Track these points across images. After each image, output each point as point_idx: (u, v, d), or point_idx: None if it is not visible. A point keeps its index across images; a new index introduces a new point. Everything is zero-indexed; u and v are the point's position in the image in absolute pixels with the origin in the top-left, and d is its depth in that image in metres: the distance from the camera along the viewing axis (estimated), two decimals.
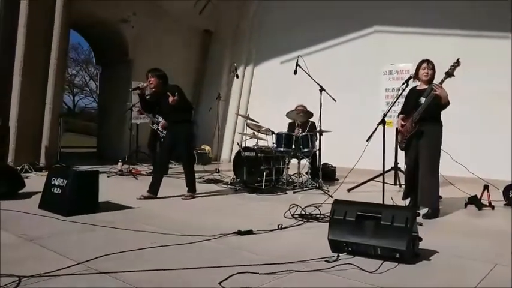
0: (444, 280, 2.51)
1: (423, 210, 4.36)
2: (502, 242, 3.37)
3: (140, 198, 4.91)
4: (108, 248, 2.83)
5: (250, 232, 3.43)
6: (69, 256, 2.65)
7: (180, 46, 11.03)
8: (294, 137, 6.25)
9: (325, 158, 7.11)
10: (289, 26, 10.36)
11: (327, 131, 6.35)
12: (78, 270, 2.41)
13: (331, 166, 7.47)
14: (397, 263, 2.69)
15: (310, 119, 6.77)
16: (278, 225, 3.64)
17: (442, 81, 4.18)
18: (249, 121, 7.07)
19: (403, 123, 4.47)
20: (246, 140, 7.01)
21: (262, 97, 10.70)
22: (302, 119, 6.54)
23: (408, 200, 4.62)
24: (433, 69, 4.41)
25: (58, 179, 4.01)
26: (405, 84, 4.31)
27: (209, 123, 10.08)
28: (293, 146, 6.22)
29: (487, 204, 4.89)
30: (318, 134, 6.40)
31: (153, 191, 5.04)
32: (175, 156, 6.83)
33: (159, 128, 7.14)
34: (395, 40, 8.89)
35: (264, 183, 5.97)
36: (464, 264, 2.82)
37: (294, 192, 5.83)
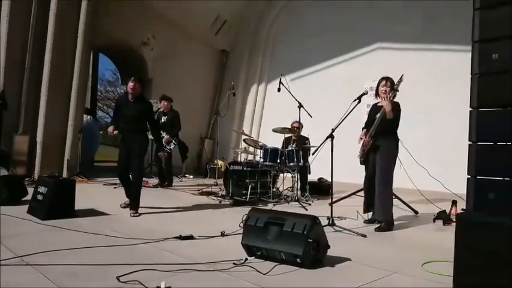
0: (328, 282, 2.72)
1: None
2: (430, 254, 3.46)
3: (123, 207, 5.37)
4: (54, 246, 3.27)
5: (191, 237, 3.77)
6: (14, 251, 3.12)
7: (197, 65, 11.67)
8: (279, 151, 6.53)
9: (322, 173, 7.30)
10: (302, 44, 10.70)
11: (312, 146, 6.57)
12: (12, 262, 2.86)
13: (326, 181, 7.63)
14: (298, 268, 2.93)
15: (303, 135, 7.03)
16: (221, 232, 3.95)
17: (392, 97, 4.36)
18: (245, 136, 7.44)
19: (362, 137, 4.66)
20: (240, 154, 7.36)
21: (273, 113, 11.04)
22: (288, 134, 6.81)
23: (370, 213, 4.77)
24: (391, 86, 4.57)
25: (42, 187, 4.57)
26: (357, 100, 4.51)
27: (226, 139, 10.57)
28: (278, 161, 6.49)
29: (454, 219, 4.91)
30: (309, 149, 6.65)
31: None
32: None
33: (163, 142, 7.68)
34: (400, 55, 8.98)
35: (248, 196, 6.28)
36: (361, 271, 3.01)
37: (273, 205, 6.08)
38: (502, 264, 2.12)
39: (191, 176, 10.40)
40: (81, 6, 8.65)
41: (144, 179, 8.61)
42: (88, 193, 6.39)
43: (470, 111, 2.43)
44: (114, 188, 7.64)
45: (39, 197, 4.55)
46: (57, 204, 4.44)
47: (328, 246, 3.11)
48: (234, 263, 3.00)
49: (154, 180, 8.86)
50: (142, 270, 2.75)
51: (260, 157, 6.75)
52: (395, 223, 4.63)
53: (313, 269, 2.94)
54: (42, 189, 4.56)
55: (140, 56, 10.79)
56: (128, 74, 11.82)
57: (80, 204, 4.86)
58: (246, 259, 3.07)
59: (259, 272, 2.82)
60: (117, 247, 3.41)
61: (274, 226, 3.05)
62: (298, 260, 2.93)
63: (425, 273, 2.93)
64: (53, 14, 8.34)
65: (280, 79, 6.34)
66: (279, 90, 6.39)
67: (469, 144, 2.44)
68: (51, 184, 4.47)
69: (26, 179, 7.38)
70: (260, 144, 7.27)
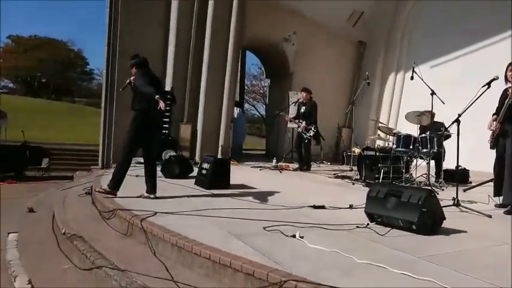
0: (437, 246, 3.10)
1: None
2: None
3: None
4: (215, 206, 4.29)
5: (322, 207, 4.43)
6: (190, 208, 4.20)
7: (334, 58, 12.19)
8: (412, 138, 6.71)
9: (461, 161, 7.21)
10: (439, 32, 10.40)
11: (447, 133, 6.59)
12: (189, 213, 3.91)
13: (464, 169, 7.48)
14: (413, 233, 3.36)
15: (438, 121, 7.05)
16: (349, 205, 4.52)
17: None
18: (380, 124, 7.76)
19: (492, 123, 4.71)
20: (374, 141, 7.72)
21: (411, 101, 10.93)
22: (423, 121, 6.91)
23: (502, 197, 4.78)
24: None
25: (205, 164, 5.73)
26: (486, 86, 4.56)
27: (362, 128, 10.92)
28: (411, 147, 6.69)
29: None
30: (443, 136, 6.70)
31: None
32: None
33: (301, 130, 8.46)
34: None
35: (381, 180, 6.65)
36: (471, 240, 3.29)
37: None
38: None
39: (328, 163, 11.03)
40: (231, 13, 9.90)
41: (285, 163, 9.62)
42: (239, 173, 7.51)
43: None
44: (260, 169, 8.72)
45: (204, 171, 5.72)
46: (217, 177, 5.54)
47: (444, 218, 3.45)
48: (357, 226, 3.57)
49: (294, 165, 9.73)
50: (282, 225, 3.51)
51: (393, 143, 7.01)
52: None
53: (426, 235, 3.33)
54: (205, 165, 5.71)
55: (282, 52, 11.77)
56: (272, 69, 13.06)
57: (233, 180, 5.90)
58: (368, 224, 3.60)
59: (377, 233, 3.35)
60: (263, 210, 4.26)
61: (393, 197, 3.51)
62: (414, 227, 3.35)
63: None
64: (209, 20, 9.79)
65: (413, 68, 6.52)
66: (412, 78, 6.58)
67: None
68: (212, 161, 5.59)
69: (190, 160, 8.91)
70: (394, 131, 7.51)
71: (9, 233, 4.35)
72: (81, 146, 17.28)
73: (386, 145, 7.84)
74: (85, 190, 5.83)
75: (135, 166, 7.93)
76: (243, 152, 13.90)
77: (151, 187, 4.80)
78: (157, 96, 4.48)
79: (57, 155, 14.62)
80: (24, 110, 27.37)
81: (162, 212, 3.86)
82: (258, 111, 42.84)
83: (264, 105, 41.68)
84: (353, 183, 6.87)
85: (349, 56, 12.82)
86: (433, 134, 6.72)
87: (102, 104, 9.48)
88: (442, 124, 7.23)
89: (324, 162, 11.04)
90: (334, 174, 8.07)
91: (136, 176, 6.47)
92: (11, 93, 49.34)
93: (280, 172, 8.41)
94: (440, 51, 10.08)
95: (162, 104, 4.47)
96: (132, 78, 4.93)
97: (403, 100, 11.65)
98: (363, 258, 2.64)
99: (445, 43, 10.21)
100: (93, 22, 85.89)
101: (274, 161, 9.36)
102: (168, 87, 9.81)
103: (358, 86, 12.17)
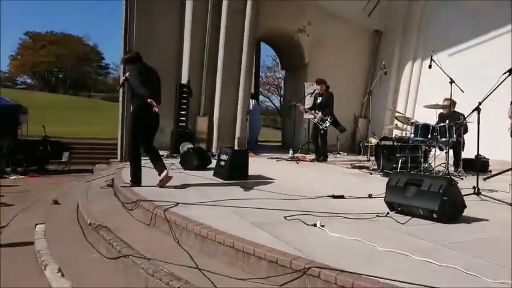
0: (459, 234, 3.11)
1: None
2: None
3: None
4: (235, 196, 4.35)
5: (341, 197, 4.46)
6: (208, 198, 4.26)
7: (350, 47, 12.10)
8: (430, 127, 6.66)
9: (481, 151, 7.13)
10: (457, 19, 10.22)
11: (467, 122, 6.51)
12: (208, 204, 3.98)
13: (484, 158, 7.40)
14: (434, 222, 3.37)
15: (457, 110, 6.98)
16: (369, 194, 4.53)
17: None
18: (397, 114, 7.72)
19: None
20: (392, 131, 7.68)
21: (428, 90, 10.81)
22: (443, 110, 6.86)
23: None
24: None
25: (223, 155, 5.79)
26: (508, 73, 4.50)
27: (379, 118, 10.86)
28: (429, 136, 6.63)
29: None
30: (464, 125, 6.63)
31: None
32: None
33: (317, 120, 8.46)
34: None
35: (399, 169, 6.62)
36: (494, 228, 3.28)
37: None
38: None
39: (345, 153, 11.02)
40: (246, 5, 9.90)
41: (301, 154, 9.63)
42: (256, 164, 7.56)
43: None
44: (277, 161, 8.76)
45: (222, 163, 5.78)
46: (236, 168, 5.60)
47: (465, 206, 3.45)
48: (377, 215, 3.59)
49: (311, 156, 9.74)
50: (302, 214, 3.55)
51: (411, 133, 6.97)
52: None
53: (447, 223, 3.34)
54: (224, 156, 5.78)
55: (297, 43, 11.73)
56: (287, 60, 13.03)
57: (250, 171, 5.94)
58: (388, 213, 3.62)
59: (398, 222, 3.37)
60: (283, 200, 4.31)
61: (413, 186, 3.52)
62: (435, 216, 3.35)
63: None
64: (224, 13, 9.82)
65: (432, 56, 6.45)
66: (430, 67, 6.51)
67: None
68: (230, 152, 5.65)
69: (207, 152, 9.00)
70: (412, 121, 7.45)
71: (36, 224, 4.48)
72: (99, 139, 17.56)
73: (404, 135, 7.80)
74: (107, 182, 5.97)
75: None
76: (258, 143, 13.95)
77: (163, 165, 5.01)
78: (149, 100, 4.66)
79: (77, 149, 14.91)
80: (42, 105, 27.89)
81: (184, 203, 3.93)
82: (273, 103, 42.89)
83: (279, 97, 41.76)
84: (371, 173, 6.86)
85: (364, 46, 12.70)
86: (452, 123, 6.66)
87: (120, 98, 9.60)
88: (461, 114, 7.17)
89: (340, 153, 11.03)
90: (352, 164, 8.07)
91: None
92: (29, 89, 50.30)
93: (297, 163, 8.42)
94: (459, 39, 9.90)
95: (155, 108, 4.68)
96: (127, 74, 5.04)
97: (420, 89, 11.52)
98: (384, 246, 2.67)
99: (462, 32, 10.02)
100: (109, 16, 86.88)
101: (291, 152, 9.37)
102: (184, 80, 9.91)
103: (375, 76, 12.09)
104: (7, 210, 6.32)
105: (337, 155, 10.60)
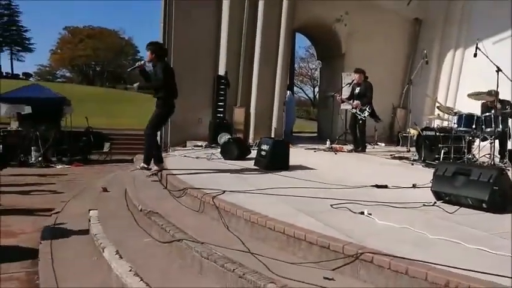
0: (509, 225, 3.07)
1: None
2: None
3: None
4: (278, 185, 4.42)
5: (385, 186, 4.46)
6: (251, 187, 4.36)
7: (388, 37, 11.85)
8: (475, 117, 6.50)
9: None
10: (500, 6, 9.84)
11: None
12: (252, 192, 4.08)
13: None
14: (482, 212, 3.34)
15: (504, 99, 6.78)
16: (413, 184, 4.51)
17: None
18: (438, 104, 7.56)
19: None
20: (433, 121, 7.54)
21: (471, 79, 10.49)
22: (487, 99, 6.67)
23: None
24: None
25: (264, 145, 5.88)
26: None
27: (418, 108, 10.65)
28: (473, 126, 6.48)
29: None
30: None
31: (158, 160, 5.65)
32: None
33: (355, 110, 8.41)
34: None
35: (441, 160, 6.51)
36: None
37: None
38: None
39: (383, 144, 10.87)
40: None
41: (338, 145, 9.59)
42: (294, 154, 7.59)
43: None
44: (314, 151, 8.76)
45: (263, 152, 5.87)
46: (276, 158, 5.68)
47: None
48: (423, 204, 3.58)
49: (349, 147, 9.69)
50: (348, 203, 3.59)
51: (454, 123, 6.82)
52: None
53: (497, 213, 3.29)
54: (265, 146, 5.86)
55: (334, 33, 11.61)
56: (323, 50, 12.93)
57: (290, 162, 6.00)
58: (435, 202, 3.61)
59: (446, 211, 3.35)
60: (327, 189, 4.35)
61: (461, 176, 3.49)
62: (484, 205, 3.32)
63: None
64: (261, 4, 9.85)
65: (477, 44, 6.27)
66: (475, 55, 6.34)
67: None
68: (271, 142, 5.73)
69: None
70: (454, 111, 7.29)
71: (90, 210, 4.72)
72: (136, 130, 18.02)
73: (446, 125, 7.64)
74: (151, 172, 6.18)
75: (193, 149, 8.32)
76: (293, 134, 13.96)
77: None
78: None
79: (116, 139, 15.38)
80: (81, 97, 28.80)
81: (230, 191, 4.05)
82: (306, 94, 42.68)
83: (312, 88, 41.49)
84: (412, 164, 6.77)
85: (403, 34, 12.42)
86: (498, 112, 6.47)
87: None
88: (508, 102, 6.96)
89: (378, 144, 10.88)
90: (391, 155, 7.97)
91: (197, 157, 6.78)
92: (68, 82, 51.99)
93: (335, 154, 8.40)
94: (504, 27, 9.53)
95: None
96: (142, 62, 5.53)
97: (461, 79, 11.19)
98: (435, 234, 2.69)
99: (507, 20, 9.64)
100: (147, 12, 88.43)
101: (328, 142, 9.36)
102: (221, 72, 10.03)
103: (414, 65, 11.83)
104: (59, 197, 6.69)
105: (375, 146, 10.47)
